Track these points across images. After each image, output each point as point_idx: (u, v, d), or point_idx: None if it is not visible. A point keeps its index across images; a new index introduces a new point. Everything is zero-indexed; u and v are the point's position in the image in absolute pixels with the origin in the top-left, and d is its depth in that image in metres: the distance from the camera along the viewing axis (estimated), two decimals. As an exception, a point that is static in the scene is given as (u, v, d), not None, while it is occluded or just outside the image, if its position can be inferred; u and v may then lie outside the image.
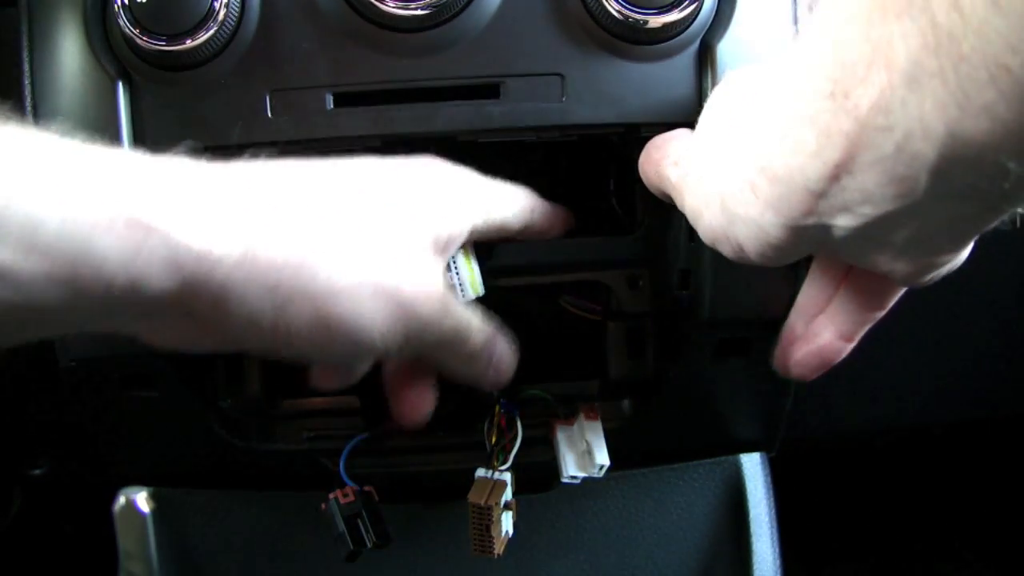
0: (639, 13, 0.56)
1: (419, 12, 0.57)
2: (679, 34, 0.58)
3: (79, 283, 0.41)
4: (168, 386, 0.63)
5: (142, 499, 0.75)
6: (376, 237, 0.51)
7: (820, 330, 0.55)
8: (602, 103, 0.58)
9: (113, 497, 0.76)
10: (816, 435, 0.84)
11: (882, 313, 0.54)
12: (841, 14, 0.37)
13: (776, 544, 0.76)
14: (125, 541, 0.76)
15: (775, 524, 0.77)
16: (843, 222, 0.41)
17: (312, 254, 0.48)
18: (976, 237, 0.45)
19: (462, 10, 0.58)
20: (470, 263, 0.59)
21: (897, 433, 0.96)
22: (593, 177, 0.70)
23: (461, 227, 0.55)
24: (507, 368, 0.60)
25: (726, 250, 0.48)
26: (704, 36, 0.59)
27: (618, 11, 0.56)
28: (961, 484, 1.31)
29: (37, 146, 0.42)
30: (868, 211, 0.39)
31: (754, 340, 0.63)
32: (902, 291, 0.53)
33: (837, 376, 0.79)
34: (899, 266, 0.44)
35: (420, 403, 0.60)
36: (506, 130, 0.59)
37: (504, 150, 0.62)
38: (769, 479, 0.77)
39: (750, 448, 0.77)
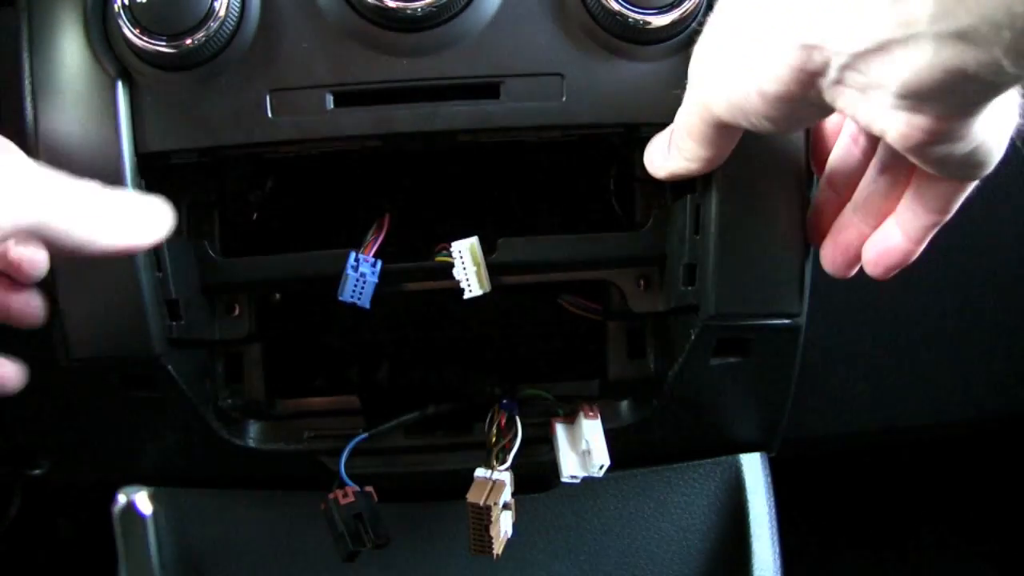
0: (639, 13, 0.56)
1: (419, 12, 0.57)
2: (679, 34, 0.58)
3: None
4: (168, 386, 0.63)
5: (142, 499, 0.75)
6: None
7: (890, 231, 0.56)
8: (602, 103, 0.58)
9: (113, 497, 0.76)
10: (816, 435, 0.84)
11: (947, 217, 0.54)
12: None
13: (776, 544, 0.76)
14: (125, 541, 0.76)
15: (775, 524, 0.77)
16: (842, 47, 0.41)
17: None
18: (983, 109, 0.44)
19: (462, 10, 0.58)
20: (477, 259, 0.59)
21: (897, 433, 0.95)
22: (593, 177, 0.70)
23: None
24: None
25: (719, 102, 0.48)
26: (704, 36, 0.59)
27: (618, 11, 0.56)
28: (961, 483, 1.31)
29: None
30: (870, 34, 0.40)
31: (753, 339, 0.63)
32: (966, 193, 0.53)
33: (837, 376, 0.79)
34: (894, 123, 0.44)
35: None
36: (506, 130, 0.59)
37: (504, 150, 0.62)
38: (769, 479, 0.77)
39: (750, 448, 0.77)
